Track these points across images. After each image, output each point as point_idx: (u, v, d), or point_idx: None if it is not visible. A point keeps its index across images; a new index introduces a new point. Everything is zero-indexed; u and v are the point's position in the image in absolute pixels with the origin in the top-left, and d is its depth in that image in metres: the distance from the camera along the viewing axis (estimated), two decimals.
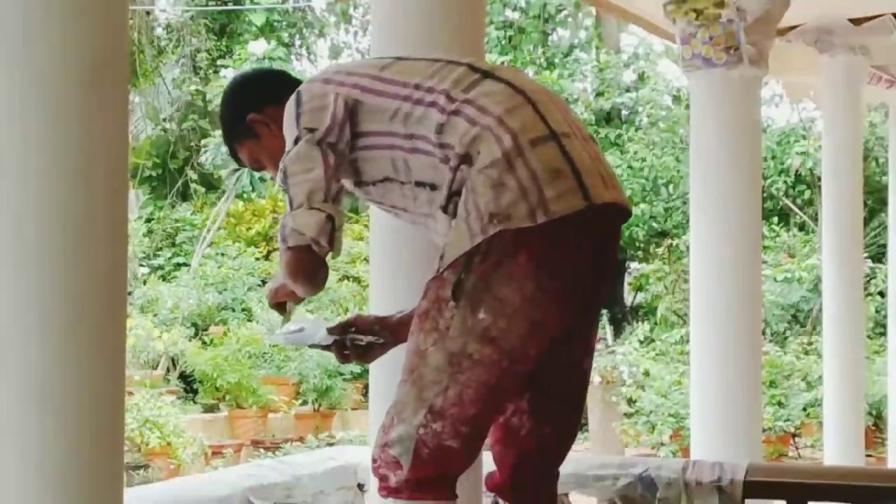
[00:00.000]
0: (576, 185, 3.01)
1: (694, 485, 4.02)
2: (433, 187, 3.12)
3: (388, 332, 3.42)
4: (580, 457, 4.33)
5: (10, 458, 2.38)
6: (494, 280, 2.98)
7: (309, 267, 3.13)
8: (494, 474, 3.43)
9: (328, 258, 3.15)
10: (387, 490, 3.11)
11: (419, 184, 3.15)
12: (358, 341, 3.38)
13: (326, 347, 3.39)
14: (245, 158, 3.54)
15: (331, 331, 3.39)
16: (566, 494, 4.18)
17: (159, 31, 22.92)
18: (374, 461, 3.13)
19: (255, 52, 21.15)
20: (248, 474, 3.91)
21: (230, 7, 22.78)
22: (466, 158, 3.02)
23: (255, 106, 3.45)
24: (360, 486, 4.23)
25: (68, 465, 2.40)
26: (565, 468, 4.08)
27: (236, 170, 19.47)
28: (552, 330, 3.09)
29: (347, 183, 3.29)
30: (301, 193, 3.09)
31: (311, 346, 3.44)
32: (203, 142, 20.62)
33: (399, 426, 3.05)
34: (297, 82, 3.42)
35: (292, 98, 3.25)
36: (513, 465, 3.37)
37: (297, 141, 3.17)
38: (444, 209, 3.07)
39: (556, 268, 3.02)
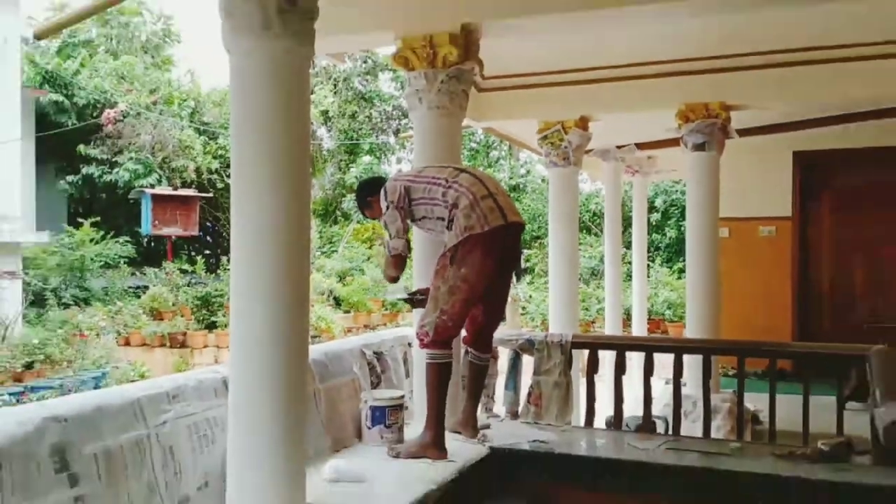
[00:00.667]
0: (500, 214, 3.04)
1: (550, 343, 3.96)
2: (442, 220, 3.13)
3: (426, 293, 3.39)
4: (502, 330, 4.29)
5: None
6: (468, 256, 2.99)
7: (400, 264, 3.15)
8: (464, 336, 3.39)
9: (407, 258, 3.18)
10: (422, 344, 3.12)
11: (439, 219, 3.15)
12: (419, 297, 3.34)
13: (407, 300, 3.34)
14: (367, 214, 3.49)
15: (409, 292, 3.38)
16: (496, 347, 4.10)
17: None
18: (417, 333, 3.14)
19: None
20: (362, 340, 3.75)
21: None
22: (455, 205, 3.06)
23: (370, 193, 3.41)
24: (409, 345, 4.16)
25: (279, 341, 2.26)
26: (495, 335, 4.03)
27: None
28: (491, 278, 3.08)
29: (409, 222, 3.28)
30: (393, 230, 3.12)
31: (400, 299, 3.42)
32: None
33: (427, 318, 3.07)
34: (384, 180, 3.40)
35: (383, 190, 3.25)
36: (474, 331, 3.34)
37: (388, 207, 3.18)
38: (448, 227, 3.10)
39: (492, 252, 3.02)
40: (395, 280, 3.19)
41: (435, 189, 3.11)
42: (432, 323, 3.06)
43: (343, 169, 20.48)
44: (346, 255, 17.27)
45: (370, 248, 17.16)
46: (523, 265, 21.16)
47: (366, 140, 20.51)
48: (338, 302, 15.05)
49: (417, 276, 3.55)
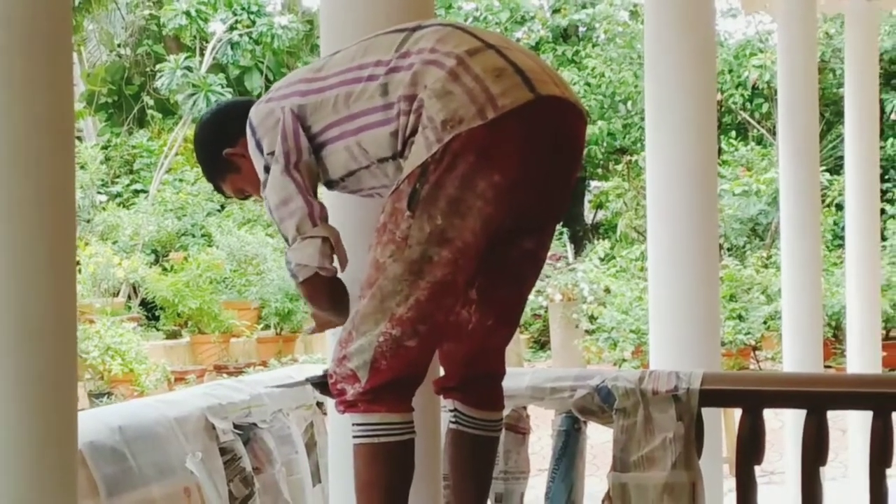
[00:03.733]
0: (520, 81, 3.11)
1: (651, 394, 4.05)
2: (395, 157, 3.19)
3: None
4: (537, 369, 4.37)
5: None
6: (448, 183, 3.07)
7: (326, 291, 3.28)
8: (443, 377, 3.54)
9: (339, 273, 3.29)
10: (343, 404, 3.20)
11: (381, 160, 3.22)
12: None
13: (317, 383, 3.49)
14: (230, 190, 3.63)
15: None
16: (524, 407, 4.22)
17: None
18: (331, 377, 3.22)
19: None
20: (207, 394, 3.91)
21: None
22: (412, 97, 3.11)
23: (228, 141, 3.51)
24: (319, 405, 4.25)
25: (24, 389, 2.41)
26: (522, 381, 4.15)
27: (192, 94, 19.41)
28: (504, 224, 3.18)
29: (321, 186, 3.38)
30: (291, 229, 3.23)
31: (311, 382, 3.55)
32: (158, 66, 20.50)
33: (359, 338, 3.13)
34: (248, 104, 3.48)
35: (247, 128, 3.35)
36: (462, 360, 3.48)
37: (266, 168, 3.28)
38: (402, 154, 3.16)
39: (506, 163, 3.10)
40: (340, 321, 3.30)
41: (357, 89, 3.21)
42: (368, 348, 3.13)
43: None
44: (170, 203, 18.07)
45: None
46: (587, 216, 21.85)
47: None
48: (151, 311, 16.15)
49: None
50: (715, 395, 4.12)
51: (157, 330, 15.88)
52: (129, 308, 15.91)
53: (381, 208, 3.20)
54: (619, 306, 14.51)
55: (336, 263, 3.27)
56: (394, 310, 3.11)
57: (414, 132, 3.12)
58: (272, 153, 3.27)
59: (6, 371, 2.38)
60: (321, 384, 3.39)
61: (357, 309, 3.17)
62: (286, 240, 3.28)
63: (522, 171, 3.13)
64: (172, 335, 15.72)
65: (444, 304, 3.18)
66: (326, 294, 3.29)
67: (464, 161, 3.06)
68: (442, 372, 3.55)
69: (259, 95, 21.13)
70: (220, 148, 3.53)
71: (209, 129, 3.66)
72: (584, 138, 3.36)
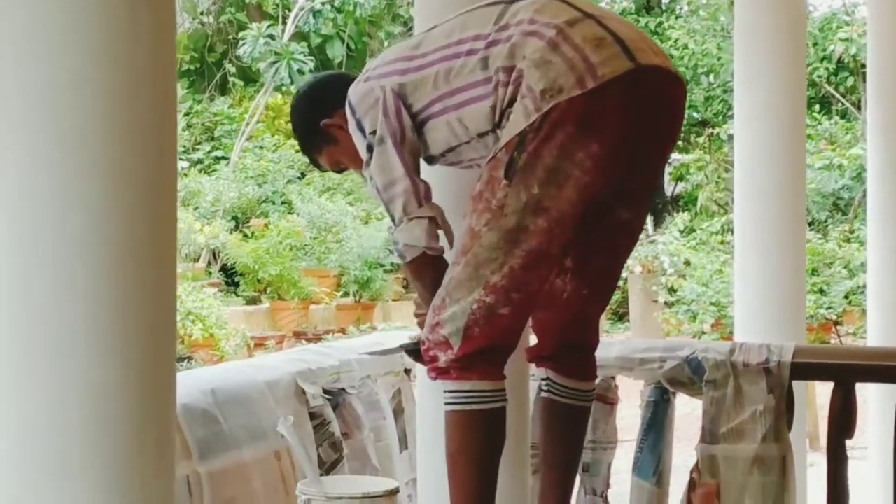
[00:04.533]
0: (620, 50, 3.12)
1: (741, 366, 4.03)
2: (494, 129, 3.20)
3: None
4: (626, 340, 4.36)
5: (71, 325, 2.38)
6: (546, 152, 3.07)
7: (433, 270, 3.29)
8: (535, 346, 3.55)
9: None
10: (436, 371, 3.22)
11: (481, 135, 3.24)
12: None
13: (410, 350, 3.47)
14: (326, 163, 3.65)
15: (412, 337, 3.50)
16: (612, 378, 4.21)
17: None
18: (423, 343, 3.24)
19: None
20: (296, 359, 3.94)
21: None
22: (510, 69, 3.12)
23: (326, 112, 3.53)
24: (407, 372, 4.26)
25: (123, 347, 2.42)
26: (611, 351, 4.14)
27: (274, 62, 19.46)
28: (601, 194, 3.18)
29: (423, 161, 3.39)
30: (398, 209, 3.25)
31: (405, 348, 3.51)
32: (241, 34, 20.57)
33: (452, 305, 3.15)
34: (348, 79, 3.50)
35: (346, 108, 3.36)
36: (556, 330, 3.49)
37: (370, 148, 3.29)
38: (500, 125, 3.16)
39: (606, 133, 3.11)
40: (432, 293, 3.29)
41: (457, 64, 3.22)
42: (461, 315, 3.14)
43: None
44: (251, 169, 18.19)
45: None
46: (667, 189, 21.80)
47: None
48: (231, 277, 16.27)
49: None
50: (807, 369, 4.11)
51: (237, 296, 15.98)
52: (210, 274, 16.02)
53: (477, 176, 3.20)
54: (700, 279, 14.45)
55: (443, 242, 3.29)
56: (488, 277, 3.12)
57: (512, 102, 3.12)
58: (374, 132, 3.28)
59: (110, 331, 2.40)
60: (414, 351, 3.39)
61: (451, 276, 3.18)
62: (392, 219, 3.29)
63: (622, 141, 3.13)
64: (252, 301, 15.81)
65: (539, 272, 3.19)
66: (433, 274, 3.29)
67: (563, 130, 3.06)
68: (534, 340, 3.55)
69: (340, 64, 21.24)
70: (318, 118, 3.54)
71: (307, 100, 3.67)
72: (684, 107, 3.37)
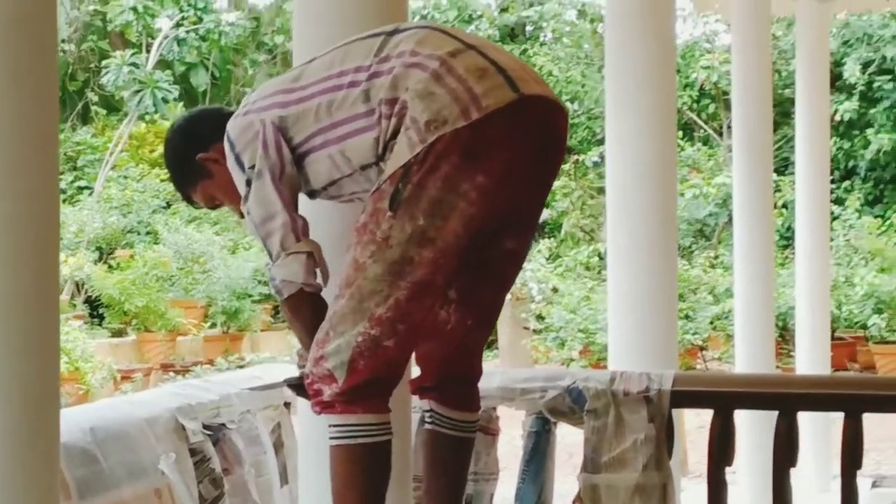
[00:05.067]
0: (503, 81, 3.12)
1: (622, 395, 4.06)
2: (377, 161, 3.18)
3: None
4: (507, 370, 4.37)
5: None
6: (430, 184, 3.06)
7: (310, 307, 3.26)
8: (419, 377, 3.54)
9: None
10: (320, 405, 3.18)
11: (364, 167, 3.22)
12: None
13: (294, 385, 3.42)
14: (201, 198, 3.57)
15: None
16: (494, 408, 4.22)
17: None
18: (307, 377, 3.20)
19: None
20: (176, 393, 3.89)
21: None
22: (393, 101, 3.11)
23: (201, 146, 3.48)
24: (287, 405, 4.23)
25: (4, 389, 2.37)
26: (492, 381, 4.14)
27: (138, 91, 19.26)
28: (486, 223, 3.18)
29: (303, 195, 3.35)
30: (276, 244, 3.22)
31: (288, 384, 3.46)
32: (103, 62, 20.32)
33: (336, 338, 3.12)
34: (226, 114, 3.47)
35: (224, 142, 3.31)
36: (439, 361, 3.48)
37: (248, 182, 3.25)
38: (383, 158, 3.14)
39: (490, 164, 3.11)
40: (309, 331, 3.27)
41: (338, 96, 3.20)
42: (346, 349, 3.12)
43: None
44: (116, 199, 17.95)
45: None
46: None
47: None
48: (96, 309, 16.02)
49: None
50: (686, 397, 4.14)
51: (103, 328, 15.75)
52: (74, 306, 15.78)
53: (361, 209, 3.19)
54: (567, 306, 14.55)
55: (319, 279, 3.26)
56: (373, 310, 3.10)
57: (396, 134, 3.11)
58: (253, 167, 3.24)
59: None
60: (297, 385, 3.35)
61: (335, 309, 3.16)
62: (270, 255, 3.26)
63: (507, 171, 3.13)
64: (118, 333, 15.60)
65: (424, 304, 3.18)
66: (310, 311, 3.26)
67: (447, 162, 3.06)
68: (417, 372, 3.54)
69: (205, 92, 21.07)
70: (193, 152, 3.49)
71: (181, 133, 3.62)
72: (567, 135, 3.39)
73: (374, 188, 3.14)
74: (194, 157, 3.48)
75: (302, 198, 3.38)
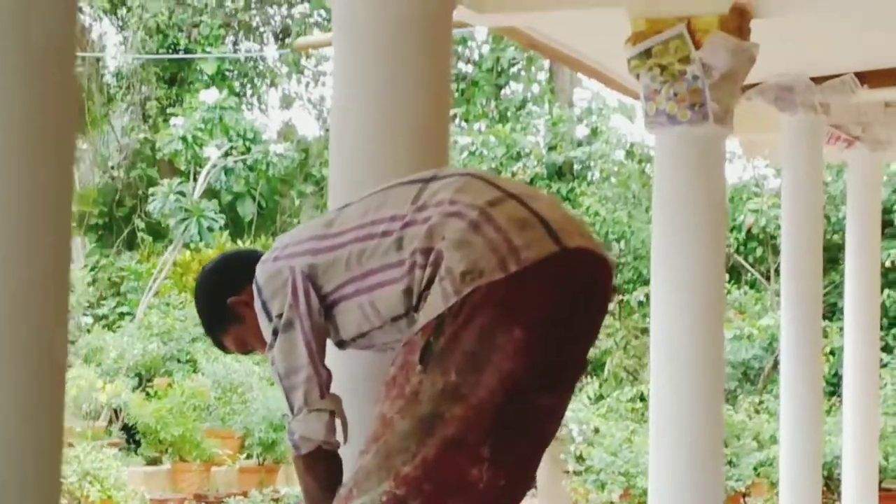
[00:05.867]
0: (544, 233, 3.04)
1: None
2: (408, 312, 3.11)
3: None
4: None
5: None
6: (464, 336, 2.97)
7: (326, 466, 3.24)
8: None
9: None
10: None
11: (395, 319, 3.15)
12: None
13: None
14: (232, 344, 3.56)
15: None
16: None
17: (109, 78, 22.84)
18: None
19: (206, 100, 21.12)
20: None
21: (181, 56, 22.74)
22: (428, 251, 3.04)
23: (234, 290, 3.45)
24: None
25: None
26: None
27: (184, 219, 19.37)
28: (523, 379, 3.06)
29: (333, 345, 3.30)
30: (299, 398, 3.17)
31: None
32: (151, 190, 20.52)
33: (360, 496, 3.02)
34: (256, 257, 3.43)
35: (253, 287, 3.28)
36: None
37: (275, 332, 3.21)
38: (416, 309, 3.07)
39: (528, 317, 3.01)
40: (321, 492, 3.23)
41: (370, 245, 3.14)
42: None
43: (153, 117, 21.02)
44: (156, 326, 17.96)
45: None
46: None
47: (208, 50, 20.98)
48: (132, 436, 15.93)
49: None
50: None
51: (138, 455, 15.63)
52: (110, 433, 15.66)
53: (391, 360, 3.10)
54: (609, 447, 14.33)
55: (339, 437, 3.19)
56: (399, 468, 3.00)
57: (430, 284, 3.03)
58: (280, 315, 3.19)
59: None
60: None
61: (360, 464, 3.06)
62: (291, 408, 3.20)
63: (545, 326, 3.03)
64: (153, 461, 15.46)
65: (454, 462, 3.05)
66: (326, 469, 3.22)
67: (483, 314, 2.97)
68: None
69: (251, 222, 21.21)
70: (225, 296, 3.45)
71: (214, 276, 3.61)
72: (611, 292, 3.26)
73: (406, 339, 3.06)
74: (226, 301, 3.44)
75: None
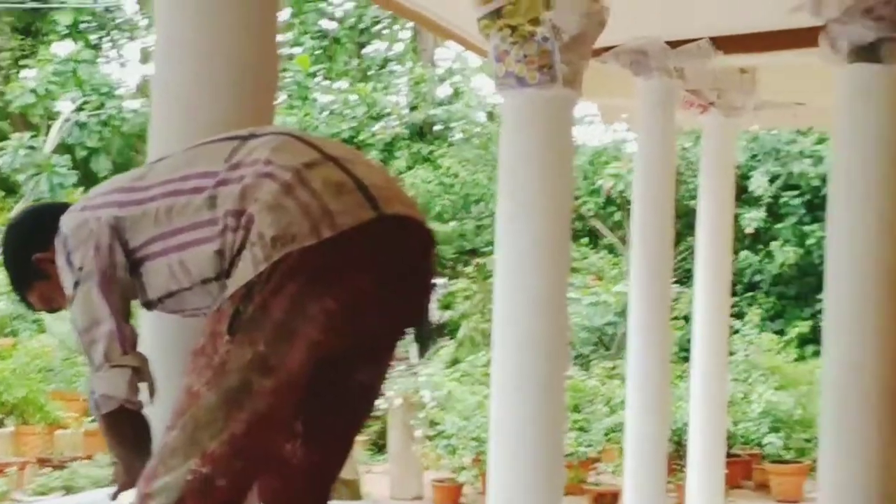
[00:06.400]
0: (362, 198, 2.92)
1: None
2: (219, 276, 2.97)
3: None
4: None
5: None
6: (274, 305, 2.85)
7: (130, 427, 3.07)
8: None
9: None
10: None
11: (205, 281, 3.00)
12: None
13: None
14: (37, 302, 3.38)
15: None
16: None
17: None
18: None
19: (60, 52, 20.68)
20: None
21: (36, 4, 22.23)
22: (240, 213, 2.90)
23: (40, 245, 3.28)
24: None
25: None
26: None
27: (35, 174, 18.98)
28: (335, 352, 2.95)
29: (139, 305, 3.16)
30: (99, 354, 3.00)
31: None
32: (1, 144, 20.04)
33: (165, 475, 2.87)
34: (63, 208, 3.28)
35: (57, 238, 3.13)
36: (286, 500, 3.26)
37: (76, 284, 3.05)
38: (228, 274, 2.92)
39: (342, 287, 2.89)
40: (130, 461, 3.07)
41: (180, 201, 3.01)
42: (175, 488, 2.86)
43: (6, 69, 20.61)
44: (3, 284, 17.74)
45: None
46: (434, 316, 21.78)
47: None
48: None
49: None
50: None
51: None
52: None
53: (199, 329, 2.96)
54: (462, 412, 14.31)
55: (144, 397, 3.03)
56: (206, 444, 2.86)
57: (241, 249, 2.88)
58: (82, 268, 3.03)
59: None
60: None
61: (164, 441, 2.91)
62: (91, 363, 3.03)
63: (360, 296, 2.91)
64: None
65: (265, 438, 2.93)
66: (130, 431, 3.05)
67: (294, 282, 2.84)
68: None
69: (105, 178, 20.89)
70: (30, 252, 3.28)
71: (18, 231, 3.42)
72: (433, 262, 3.14)
73: (214, 308, 2.93)
74: (30, 258, 3.29)
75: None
